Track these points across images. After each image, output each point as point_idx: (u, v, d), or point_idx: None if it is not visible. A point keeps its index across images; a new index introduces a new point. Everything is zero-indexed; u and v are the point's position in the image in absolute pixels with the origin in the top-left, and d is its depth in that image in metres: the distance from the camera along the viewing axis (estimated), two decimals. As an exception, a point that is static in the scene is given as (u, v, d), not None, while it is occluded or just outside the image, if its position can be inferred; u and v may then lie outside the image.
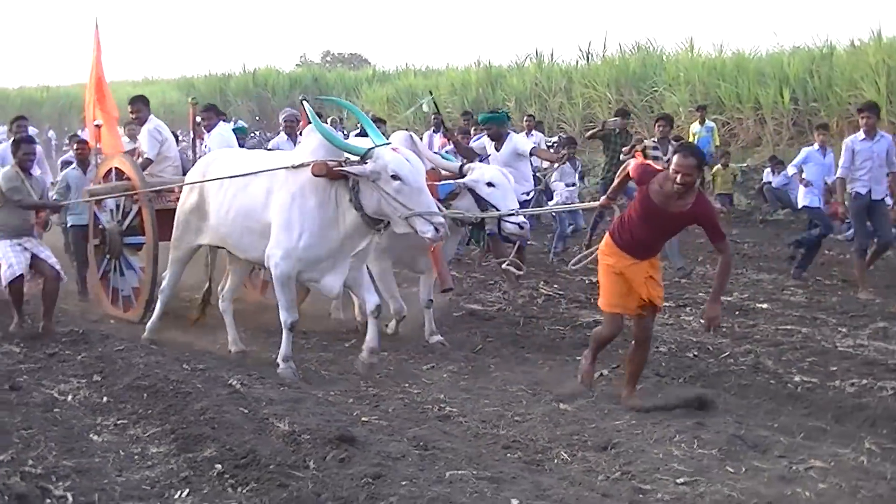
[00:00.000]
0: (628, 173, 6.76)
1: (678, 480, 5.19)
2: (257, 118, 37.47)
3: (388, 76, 39.73)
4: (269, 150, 10.79)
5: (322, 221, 7.30)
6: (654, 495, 5.03)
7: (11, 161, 9.39)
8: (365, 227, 7.23)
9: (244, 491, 4.94)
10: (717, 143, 20.38)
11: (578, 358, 7.83)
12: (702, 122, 19.70)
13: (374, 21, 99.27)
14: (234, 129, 12.55)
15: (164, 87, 43.27)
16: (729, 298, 10.44)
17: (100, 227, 10.14)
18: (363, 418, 6.35)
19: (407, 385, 7.41)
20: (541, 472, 5.40)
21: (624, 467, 5.44)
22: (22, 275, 8.89)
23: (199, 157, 10.53)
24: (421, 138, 11.54)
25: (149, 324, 8.87)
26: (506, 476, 5.16)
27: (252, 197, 7.69)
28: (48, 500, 4.78)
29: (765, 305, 10.14)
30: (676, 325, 9.27)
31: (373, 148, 7.11)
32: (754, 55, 25.00)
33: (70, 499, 4.79)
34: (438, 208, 7.39)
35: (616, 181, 7.10)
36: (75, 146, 11.64)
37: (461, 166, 8.47)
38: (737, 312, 9.83)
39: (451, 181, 8.30)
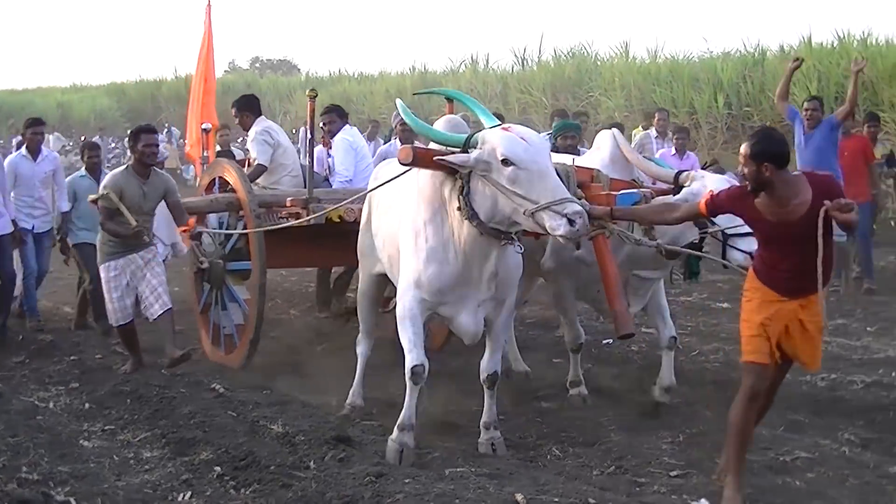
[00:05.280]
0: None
1: (671, 473, 5.33)
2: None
3: (321, 82, 39.32)
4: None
5: (436, 240, 5.61)
6: (650, 488, 5.14)
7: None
8: (484, 242, 5.46)
9: (247, 492, 4.96)
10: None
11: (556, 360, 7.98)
12: (646, 128, 19.98)
13: (303, 27, 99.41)
14: None
15: (94, 94, 41.34)
16: (689, 298, 10.67)
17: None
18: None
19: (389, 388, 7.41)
20: (536, 468, 5.48)
21: (616, 462, 5.55)
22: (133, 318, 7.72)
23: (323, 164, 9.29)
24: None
25: (353, 388, 6.85)
26: (504, 472, 5.24)
27: (392, 219, 6.13)
28: (52, 506, 4.76)
29: (725, 305, 10.28)
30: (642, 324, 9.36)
31: (475, 133, 5.46)
32: (688, 60, 25.41)
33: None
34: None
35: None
36: (86, 153, 9.73)
37: (677, 175, 6.53)
38: (700, 312, 10.03)
39: (636, 190, 6.20)
